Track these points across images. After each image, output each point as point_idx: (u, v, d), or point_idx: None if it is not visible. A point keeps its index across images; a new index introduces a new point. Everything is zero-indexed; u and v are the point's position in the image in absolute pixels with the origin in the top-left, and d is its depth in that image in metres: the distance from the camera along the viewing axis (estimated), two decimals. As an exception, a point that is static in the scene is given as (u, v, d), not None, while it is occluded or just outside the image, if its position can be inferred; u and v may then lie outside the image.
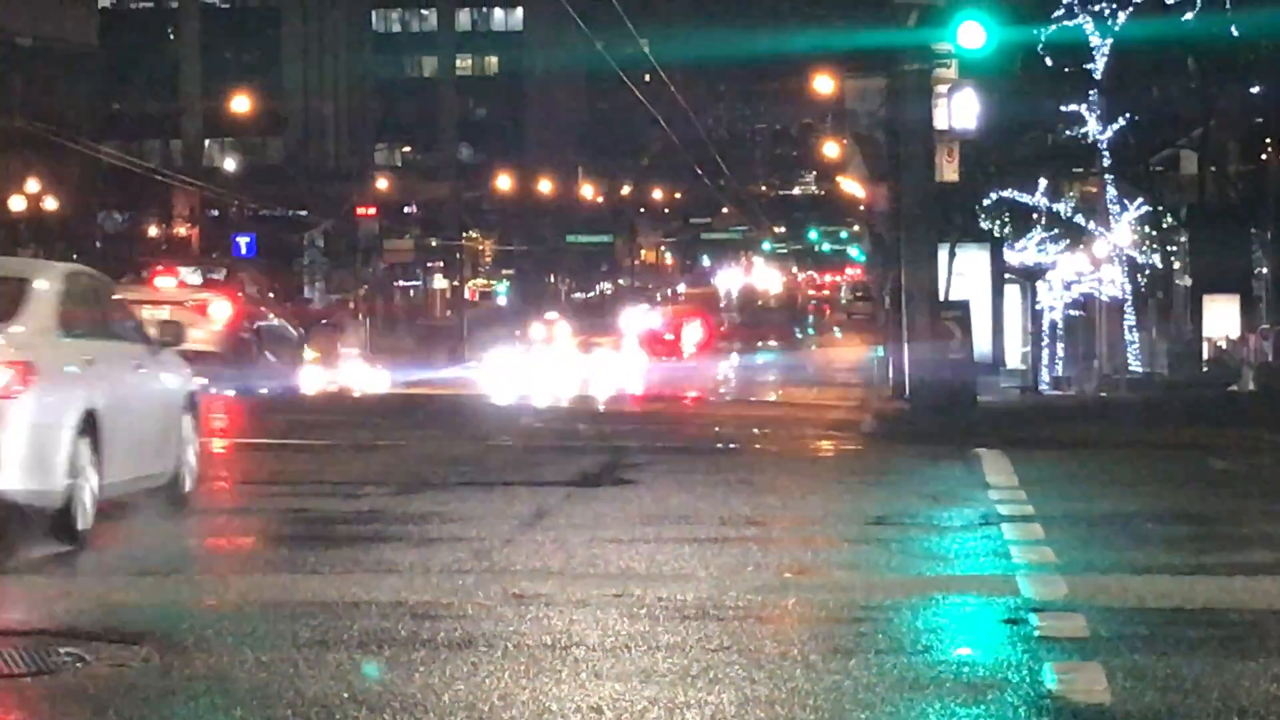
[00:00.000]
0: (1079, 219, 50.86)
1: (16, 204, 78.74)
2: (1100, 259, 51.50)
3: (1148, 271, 51.97)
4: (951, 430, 25.38)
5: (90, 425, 13.68)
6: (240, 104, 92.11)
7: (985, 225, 46.96)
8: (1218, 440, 23.99)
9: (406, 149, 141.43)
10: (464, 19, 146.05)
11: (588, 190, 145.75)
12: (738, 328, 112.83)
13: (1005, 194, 48.28)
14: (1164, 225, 50.82)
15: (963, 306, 31.48)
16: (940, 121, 30.84)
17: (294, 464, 20.71)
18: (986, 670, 9.39)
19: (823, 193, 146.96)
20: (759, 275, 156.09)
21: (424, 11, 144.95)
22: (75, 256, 63.17)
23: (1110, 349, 52.80)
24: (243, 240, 78.33)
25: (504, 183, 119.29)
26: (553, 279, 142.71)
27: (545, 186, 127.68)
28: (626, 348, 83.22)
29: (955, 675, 9.22)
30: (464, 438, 25.38)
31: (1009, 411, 31.28)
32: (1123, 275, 49.73)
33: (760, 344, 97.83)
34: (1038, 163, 50.28)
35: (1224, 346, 44.83)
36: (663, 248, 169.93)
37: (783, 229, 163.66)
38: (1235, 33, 43.26)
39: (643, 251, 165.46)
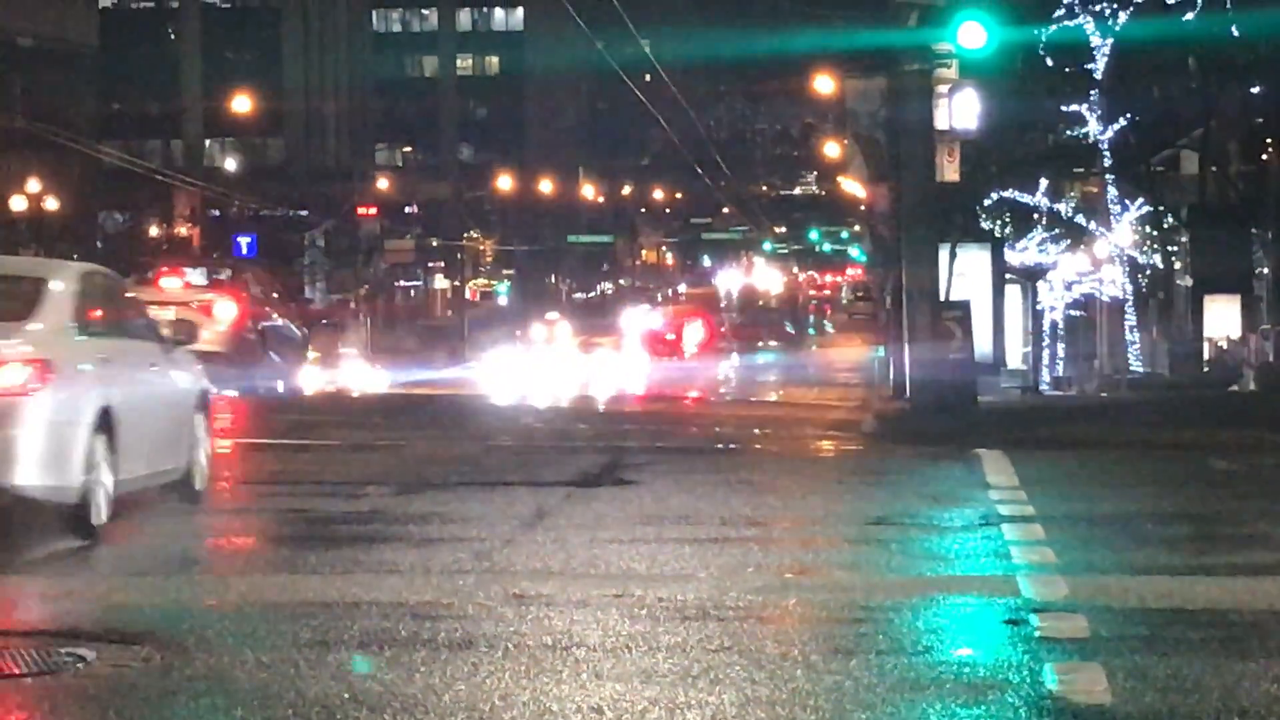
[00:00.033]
0: (1080, 219, 50.87)
1: (17, 204, 78.78)
2: (1101, 259, 51.51)
3: (1148, 272, 51.98)
4: (952, 430, 25.37)
5: (106, 422, 13.87)
6: (241, 104, 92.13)
7: (986, 225, 46.95)
8: (1218, 440, 23.99)
9: (407, 149, 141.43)
10: (464, 19, 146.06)
11: (589, 190, 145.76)
12: (738, 328, 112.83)
13: (1006, 194, 48.28)
14: (1165, 225, 50.83)
15: (963, 307, 31.46)
16: (941, 122, 30.85)
17: (295, 464, 20.71)
18: (987, 671, 9.39)
19: (823, 193, 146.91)
20: (760, 275, 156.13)
21: (424, 11, 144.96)
22: (76, 257, 63.10)
23: (1111, 349, 52.80)
24: (243, 240, 78.43)
25: (505, 183, 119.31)
26: (553, 279, 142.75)
27: (546, 186, 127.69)
28: (627, 348, 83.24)
29: (956, 676, 9.22)
30: (464, 438, 25.39)
31: (1009, 412, 31.27)
32: (1123, 275, 49.74)
33: (761, 344, 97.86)
34: (1038, 163, 50.27)
35: (1225, 347, 44.84)
36: (664, 248, 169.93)
37: (783, 229, 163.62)
38: (1236, 33, 43.27)
39: (643, 252, 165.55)
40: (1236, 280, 46.57)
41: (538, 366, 66.97)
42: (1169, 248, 51.69)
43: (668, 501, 16.67)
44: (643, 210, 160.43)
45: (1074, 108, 47.32)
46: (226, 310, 36.28)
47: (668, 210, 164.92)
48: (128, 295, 16.36)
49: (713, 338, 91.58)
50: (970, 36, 27.59)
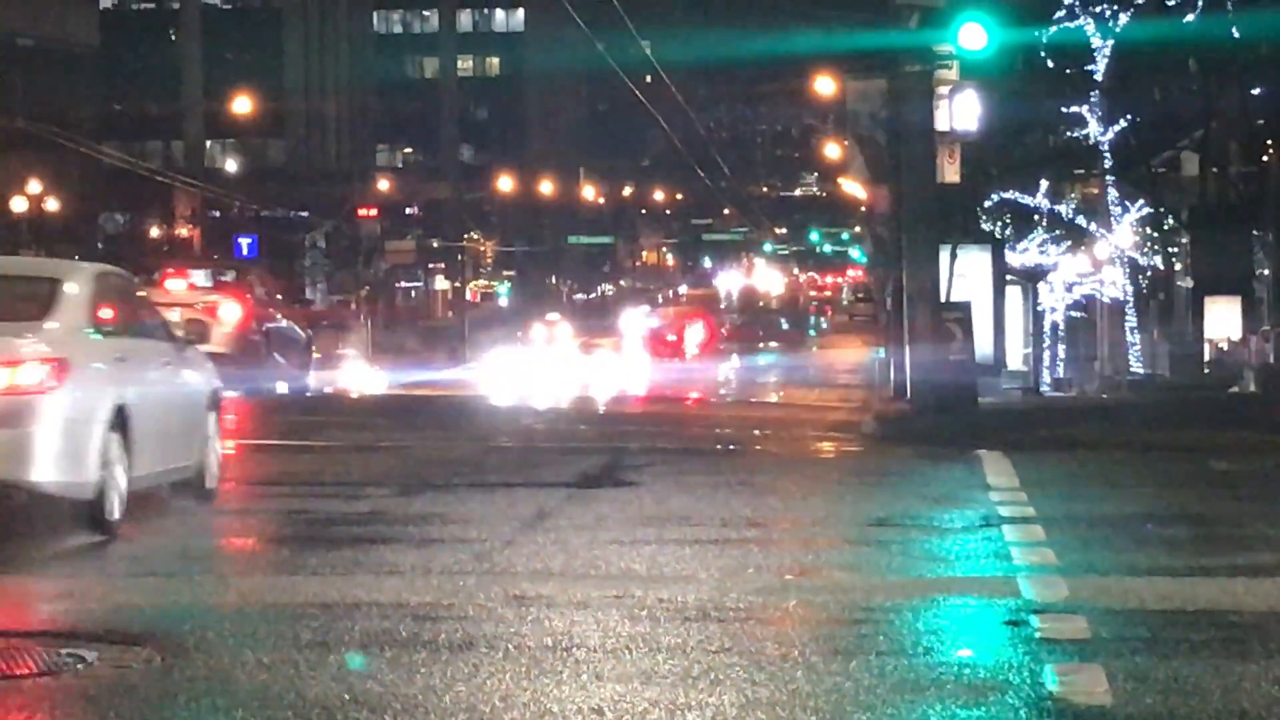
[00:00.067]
0: (1080, 220, 50.86)
1: (18, 205, 78.78)
2: (1101, 260, 51.49)
3: (1149, 273, 51.97)
4: (953, 431, 25.37)
5: (120, 420, 14.10)
6: (242, 105, 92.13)
7: (986, 226, 46.92)
8: (1219, 442, 23.99)
9: (408, 150, 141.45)
10: (465, 20, 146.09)
11: (589, 191, 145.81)
12: (739, 329, 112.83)
13: (1006, 195, 48.27)
14: (1165, 227, 50.82)
15: (964, 308, 31.45)
16: (941, 123, 30.81)
17: (295, 465, 20.72)
18: (987, 672, 9.39)
19: (824, 194, 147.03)
20: (760, 276, 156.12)
21: (425, 12, 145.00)
22: (77, 257, 63.14)
23: (1111, 350, 52.76)
24: (244, 241, 78.48)
25: (505, 184, 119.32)
26: (554, 280, 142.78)
27: (547, 187, 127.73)
28: (628, 349, 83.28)
29: (956, 677, 9.22)
30: (465, 439, 25.40)
31: (1010, 413, 31.26)
32: (1124, 277, 49.73)
33: (761, 345, 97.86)
34: (1039, 164, 50.26)
35: (1225, 348, 44.80)
36: (664, 249, 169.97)
37: (784, 230, 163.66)
38: (1236, 34, 43.25)
39: (644, 253, 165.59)
40: (1237, 282, 46.53)
41: (538, 367, 66.95)
42: (1169, 249, 51.68)
43: (668, 502, 16.67)
44: (643, 211, 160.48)
45: (1074, 109, 47.30)
46: (231, 312, 36.34)
47: (668, 211, 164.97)
48: (140, 295, 16.57)
49: (714, 339, 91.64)
50: (971, 38, 27.59)
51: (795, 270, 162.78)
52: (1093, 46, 45.47)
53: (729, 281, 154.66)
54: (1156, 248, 51.20)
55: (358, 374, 57.21)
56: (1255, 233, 48.59)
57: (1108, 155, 47.78)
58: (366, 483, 18.34)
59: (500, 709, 8.45)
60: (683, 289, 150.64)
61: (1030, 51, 43.26)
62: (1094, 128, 47.19)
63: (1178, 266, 52.10)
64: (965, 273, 36.84)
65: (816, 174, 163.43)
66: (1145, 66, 47.59)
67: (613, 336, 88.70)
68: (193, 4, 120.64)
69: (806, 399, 45.87)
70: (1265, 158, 50.82)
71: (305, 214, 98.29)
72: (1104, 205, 49.95)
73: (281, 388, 37.04)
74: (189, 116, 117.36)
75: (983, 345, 34.75)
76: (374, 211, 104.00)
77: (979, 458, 21.47)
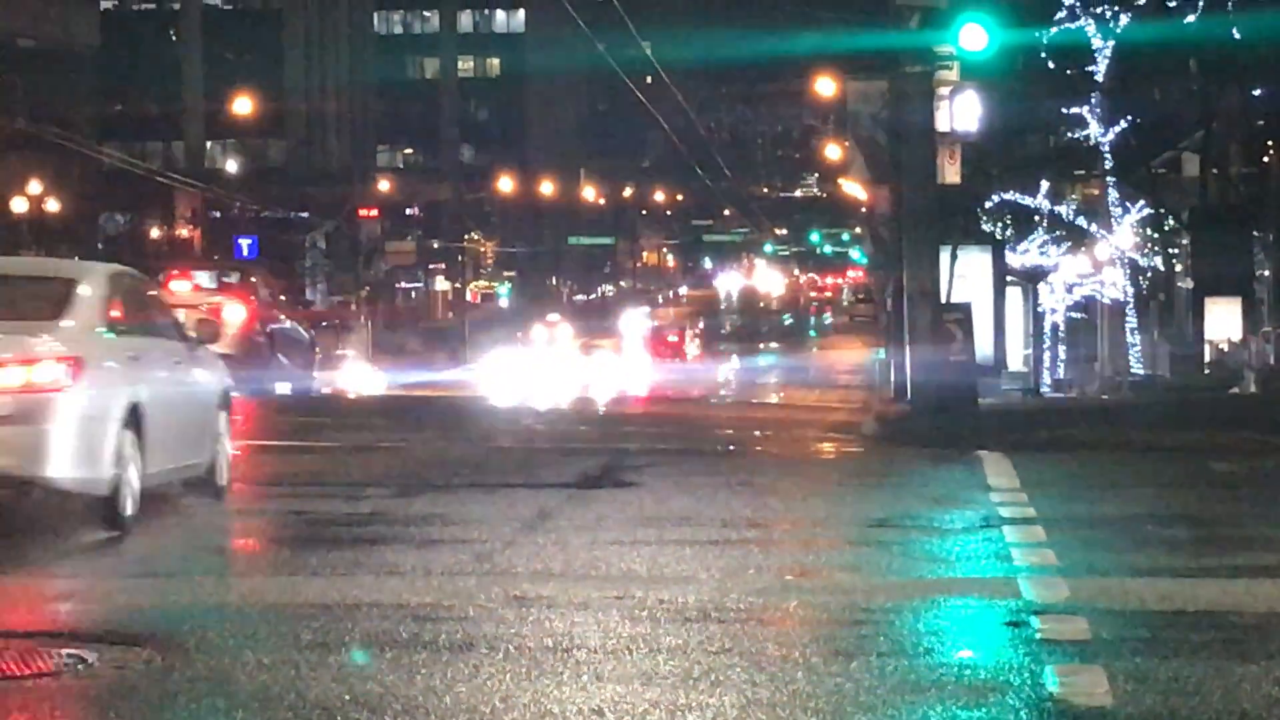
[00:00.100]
0: (1081, 221, 50.87)
1: (19, 205, 78.78)
2: (1102, 261, 51.50)
3: (1149, 274, 51.97)
4: (953, 432, 25.37)
5: (134, 418, 14.37)
6: (242, 105, 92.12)
7: (987, 227, 46.94)
8: (1219, 443, 23.98)
9: (408, 150, 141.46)
10: (466, 20, 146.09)
11: (589, 192, 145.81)
12: (739, 329, 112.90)
13: (1007, 196, 48.28)
14: (1166, 228, 50.82)
15: (964, 309, 31.43)
16: (942, 123, 30.81)
17: (296, 465, 20.72)
18: (988, 673, 9.39)
19: (824, 195, 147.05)
20: (761, 277, 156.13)
21: (426, 13, 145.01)
22: (77, 259, 63.15)
23: (1112, 351, 52.76)
24: (244, 242, 78.47)
25: (506, 184, 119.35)
26: (554, 281, 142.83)
27: (547, 188, 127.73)
28: (628, 349, 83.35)
29: (957, 678, 9.22)
30: (465, 440, 25.41)
31: (1010, 414, 31.25)
32: (1124, 278, 49.73)
33: (761, 346, 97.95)
34: (1039, 165, 50.27)
35: (1225, 349, 44.77)
36: (664, 250, 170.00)
37: (784, 231, 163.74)
38: (1237, 35, 43.25)
39: (644, 253, 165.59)
40: (1237, 283, 46.50)
41: (538, 368, 66.98)
42: (1170, 250, 51.68)
43: (668, 503, 16.68)
44: (644, 212, 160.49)
45: (1075, 110, 47.30)
46: (235, 313, 36.41)
47: (669, 212, 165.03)
48: (153, 295, 16.82)
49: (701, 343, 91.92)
50: (971, 38, 27.59)
51: (796, 271, 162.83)
52: (1093, 47, 45.47)
53: (729, 282, 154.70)
54: (1157, 249, 51.20)
55: (359, 375, 57.26)
56: (1256, 234, 48.58)
57: (1108, 156, 47.78)
58: (367, 483, 18.34)
59: (501, 710, 8.45)
60: (683, 290, 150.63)
61: (1031, 52, 43.27)
62: (1094, 128, 47.19)
63: (1178, 267, 52.10)
64: (966, 273, 36.84)
65: (817, 175, 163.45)
66: (1146, 67, 47.59)
67: (613, 337, 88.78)
68: (193, 5, 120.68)
69: (807, 400, 45.91)
70: (1266, 158, 50.84)
71: (305, 215, 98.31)
72: (1104, 206, 49.96)
73: (285, 388, 37.08)
74: (189, 117, 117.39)
75: (983, 346, 34.74)
76: (374, 212, 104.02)
77: (979, 458, 21.48)
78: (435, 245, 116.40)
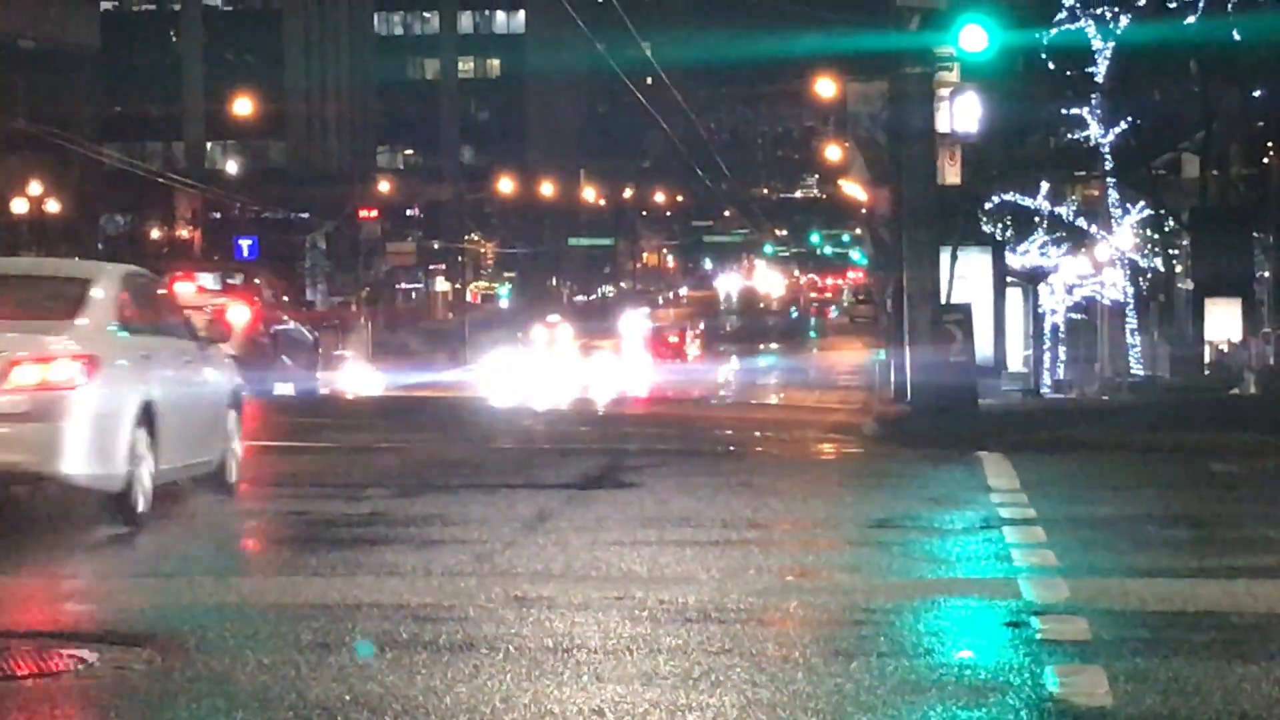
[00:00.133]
0: (1081, 222, 50.86)
1: (19, 206, 78.75)
2: (1102, 262, 51.49)
3: (1149, 275, 51.95)
4: (953, 433, 25.38)
5: (147, 416, 14.66)
6: (242, 106, 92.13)
7: (987, 228, 46.92)
8: (1219, 443, 23.98)
9: (408, 151, 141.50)
10: (466, 21, 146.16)
11: (589, 193, 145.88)
12: (739, 330, 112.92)
13: (1007, 197, 48.26)
14: (1166, 228, 50.79)
15: (964, 309, 31.43)
16: (942, 124, 30.81)
17: (296, 466, 20.72)
18: (988, 673, 9.39)
19: (824, 196, 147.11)
20: (761, 278, 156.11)
21: (426, 14, 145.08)
22: (76, 259, 63.10)
23: (1112, 352, 52.76)
24: (244, 243, 78.47)
25: (506, 185, 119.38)
26: (554, 282, 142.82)
27: (547, 189, 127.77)
28: (628, 350, 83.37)
29: (957, 678, 9.22)
30: (465, 440, 25.42)
31: (1010, 414, 31.25)
32: (1124, 278, 49.73)
33: (761, 347, 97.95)
34: (1040, 166, 50.23)
35: (1225, 350, 44.75)
36: (664, 250, 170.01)
37: (784, 232, 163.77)
38: (1237, 36, 43.23)
39: (644, 254, 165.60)
40: (1237, 283, 46.47)
41: (538, 369, 66.99)
42: (1170, 251, 51.64)
43: (669, 504, 16.68)
44: (644, 213, 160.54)
45: (1075, 111, 47.29)
46: (239, 314, 36.52)
47: (669, 213, 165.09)
48: (164, 295, 17.15)
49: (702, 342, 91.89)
50: (971, 39, 27.60)
51: (796, 272, 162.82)
52: (1093, 48, 45.45)
53: (729, 283, 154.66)
54: (1157, 249, 51.17)
55: (359, 375, 57.27)
56: (1256, 234, 48.56)
57: (1108, 157, 47.77)
58: (368, 484, 18.35)
59: (501, 710, 8.45)
60: (683, 291, 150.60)
61: (1031, 53, 43.26)
62: (1094, 129, 47.17)
63: (1178, 268, 52.06)
64: (966, 274, 36.83)
65: (817, 176, 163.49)
66: (1146, 68, 47.56)
67: (613, 338, 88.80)
68: (193, 6, 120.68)
69: (807, 400, 45.92)
70: (1266, 159, 50.81)
71: (306, 215, 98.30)
72: (1104, 207, 49.95)
73: (289, 389, 37.14)
74: (190, 118, 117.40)
75: (983, 347, 34.73)
76: (374, 213, 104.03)
77: (979, 459, 21.48)
78: (435, 246, 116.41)
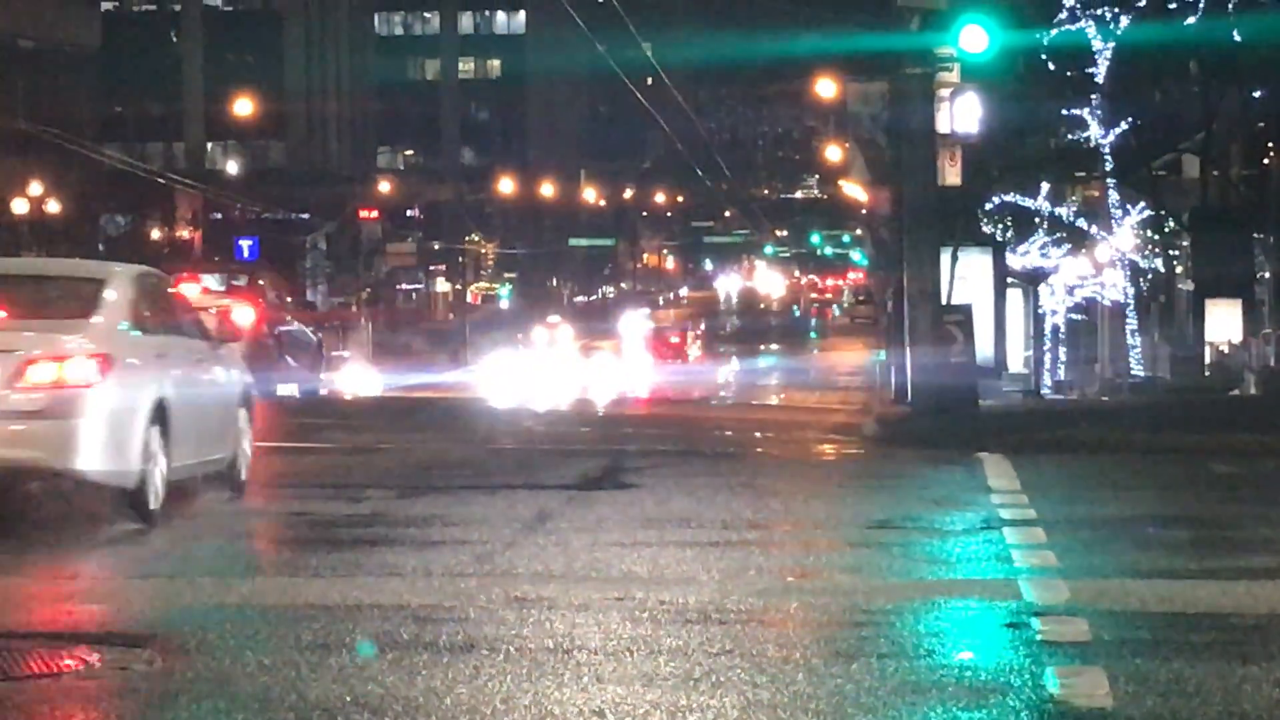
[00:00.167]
0: (1081, 223, 50.85)
1: (19, 206, 78.72)
2: (1102, 263, 51.48)
3: (1150, 275, 51.96)
4: (953, 434, 25.37)
5: (160, 413, 14.86)
6: (243, 107, 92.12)
7: (987, 229, 46.92)
8: (1220, 444, 23.97)
9: (409, 152, 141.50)
10: (466, 22, 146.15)
11: (590, 193, 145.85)
12: (739, 331, 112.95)
13: (1008, 198, 48.25)
14: (1166, 229, 50.79)
15: (965, 310, 31.43)
16: (942, 125, 30.79)
17: (297, 466, 20.72)
18: (988, 674, 9.39)
19: (825, 196, 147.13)
20: (761, 279, 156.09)
21: (427, 15, 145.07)
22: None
23: (1112, 353, 52.76)
24: (245, 243, 78.48)
25: (506, 186, 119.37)
26: (555, 282, 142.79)
27: (547, 190, 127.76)
28: (628, 351, 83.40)
29: (957, 679, 9.22)
30: (466, 441, 25.42)
31: (1011, 415, 31.25)
32: (1125, 279, 49.72)
33: (762, 347, 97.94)
34: (1040, 166, 50.20)
35: (1226, 351, 44.75)
36: (665, 251, 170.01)
37: (785, 232, 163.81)
38: (1237, 37, 43.22)
39: (645, 255, 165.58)
40: (1238, 284, 46.48)
41: (539, 370, 67.00)
42: (1170, 252, 51.64)
43: (669, 505, 16.68)
44: (644, 213, 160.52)
45: (1075, 111, 47.27)
46: (244, 315, 36.60)
47: (669, 214, 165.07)
48: (176, 295, 17.30)
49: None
50: (972, 40, 27.60)
51: (796, 273, 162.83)
52: (1094, 49, 45.43)
53: (730, 284, 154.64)
54: (1157, 250, 51.18)
55: (360, 376, 57.27)
56: (1256, 235, 48.56)
57: (1108, 158, 47.76)
58: (368, 484, 18.35)
59: (501, 711, 8.45)
60: (683, 291, 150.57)
61: (1031, 54, 43.23)
62: (1095, 130, 47.16)
63: (1179, 269, 52.07)
64: (966, 275, 36.84)
65: (817, 176, 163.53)
66: (1146, 69, 47.56)
67: (613, 339, 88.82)
68: (194, 6, 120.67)
69: (807, 401, 45.92)
70: (1266, 160, 50.82)
71: (306, 216, 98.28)
72: (1105, 208, 49.94)
73: (292, 390, 37.19)
74: (190, 118, 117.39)
75: (983, 348, 34.73)
76: (375, 213, 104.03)
77: (980, 460, 21.48)
78: (436, 246, 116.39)
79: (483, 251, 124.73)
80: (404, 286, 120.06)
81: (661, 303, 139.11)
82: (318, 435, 25.43)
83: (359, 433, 26.62)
